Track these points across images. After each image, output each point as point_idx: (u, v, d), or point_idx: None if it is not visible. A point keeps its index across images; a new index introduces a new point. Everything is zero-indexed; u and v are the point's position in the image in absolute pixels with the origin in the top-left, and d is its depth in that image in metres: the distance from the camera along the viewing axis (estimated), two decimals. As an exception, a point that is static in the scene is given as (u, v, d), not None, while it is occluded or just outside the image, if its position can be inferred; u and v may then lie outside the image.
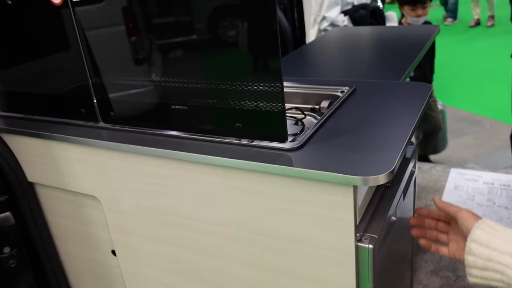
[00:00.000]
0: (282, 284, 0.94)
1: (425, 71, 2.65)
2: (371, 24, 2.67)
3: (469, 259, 0.78)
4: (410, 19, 2.56)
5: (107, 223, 1.15)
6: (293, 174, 0.80)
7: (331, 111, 1.01)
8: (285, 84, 1.23)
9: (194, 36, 0.88)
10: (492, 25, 6.25)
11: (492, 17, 6.26)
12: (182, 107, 0.94)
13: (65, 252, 1.35)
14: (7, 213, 1.24)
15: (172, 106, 0.96)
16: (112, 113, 1.05)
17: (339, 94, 1.14)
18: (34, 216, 1.28)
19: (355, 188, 0.77)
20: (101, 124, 1.08)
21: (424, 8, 2.51)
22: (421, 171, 2.36)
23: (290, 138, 0.90)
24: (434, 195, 2.06)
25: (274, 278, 0.94)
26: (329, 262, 0.86)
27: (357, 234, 0.82)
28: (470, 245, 0.78)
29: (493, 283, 0.76)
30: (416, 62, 1.42)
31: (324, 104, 1.13)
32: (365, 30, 2.13)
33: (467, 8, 6.75)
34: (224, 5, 0.86)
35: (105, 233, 1.20)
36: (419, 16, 2.51)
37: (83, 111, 1.10)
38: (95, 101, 1.06)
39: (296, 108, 1.17)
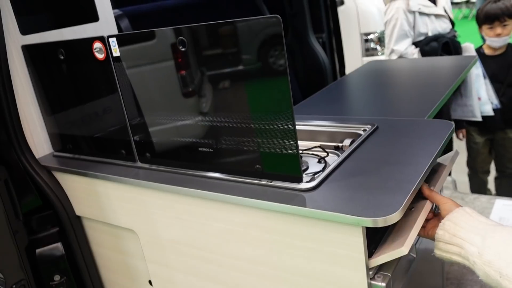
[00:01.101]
0: (302, 319, 0.97)
1: None
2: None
3: (439, 232, 0.87)
4: (489, 40, 2.43)
5: (144, 255, 1.24)
6: (305, 214, 0.85)
7: (350, 150, 1.06)
8: (309, 122, 1.30)
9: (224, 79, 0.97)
10: None
11: None
12: (208, 149, 1.03)
13: (108, 281, 1.46)
14: (58, 244, 1.37)
15: (199, 149, 1.04)
16: (147, 154, 1.15)
17: (361, 132, 1.18)
18: (81, 246, 1.40)
19: (363, 228, 0.80)
20: (138, 164, 1.19)
21: (504, 26, 2.36)
22: (464, 202, 2.30)
23: (308, 178, 0.96)
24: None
25: (294, 313, 0.98)
26: (345, 299, 0.89)
27: (370, 272, 0.85)
28: (445, 222, 0.87)
29: (454, 257, 0.85)
30: (445, 98, 1.43)
31: (346, 142, 1.17)
32: (407, 62, 2.14)
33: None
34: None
35: (142, 264, 1.29)
36: (498, 35, 2.38)
37: (123, 152, 1.21)
38: (133, 143, 1.17)
39: (320, 146, 1.22)
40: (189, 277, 1.15)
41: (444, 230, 0.86)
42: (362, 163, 1.00)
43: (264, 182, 0.96)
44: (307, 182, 0.93)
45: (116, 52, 1.08)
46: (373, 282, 0.86)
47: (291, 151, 0.89)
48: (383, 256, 0.85)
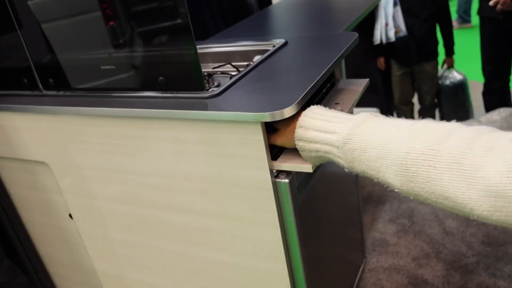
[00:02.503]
0: (217, 227, 1.00)
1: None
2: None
3: (298, 131, 0.81)
4: None
5: (60, 188, 1.21)
6: (206, 117, 0.86)
7: (257, 63, 1.06)
8: (224, 43, 1.29)
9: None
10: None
11: None
12: (110, 66, 0.99)
13: (29, 221, 1.42)
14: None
15: (102, 67, 1.01)
16: (51, 80, 1.10)
17: (270, 48, 1.18)
18: (-6, 188, 1.34)
19: (262, 124, 0.82)
20: (43, 92, 1.13)
21: None
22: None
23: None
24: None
25: (209, 222, 1.01)
26: (253, 200, 0.92)
27: (274, 170, 0.88)
28: (302, 118, 0.81)
29: (317, 155, 0.81)
30: (356, 20, 1.46)
31: (256, 58, 1.17)
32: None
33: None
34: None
35: (60, 197, 1.26)
36: None
37: (25, 80, 1.15)
38: (34, 70, 1.11)
39: (231, 65, 1.22)
40: (108, 202, 1.14)
41: (303, 126, 0.81)
42: (266, 71, 1.01)
43: (169, 94, 0.95)
44: (211, 90, 0.93)
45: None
46: (277, 180, 0.89)
47: (191, 58, 0.88)
48: (287, 164, 0.87)
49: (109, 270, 1.30)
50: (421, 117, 2.92)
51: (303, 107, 0.84)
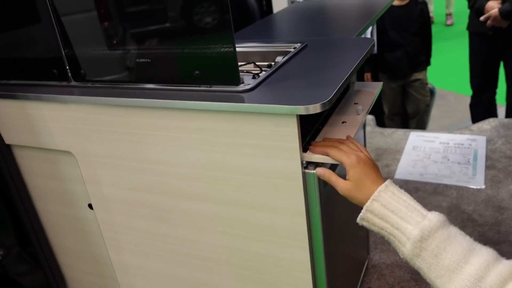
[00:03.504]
0: (243, 216, 1.05)
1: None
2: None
3: (365, 215, 0.84)
4: None
5: (83, 177, 1.24)
6: (244, 109, 0.91)
7: (282, 62, 1.12)
8: (243, 44, 1.34)
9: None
10: (452, 24, 6.04)
11: (450, 14, 6.06)
12: (146, 59, 1.04)
13: (44, 211, 1.44)
14: (-13, 176, 1.32)
15: (137, 60, 1.05)
16: (82, 71, 1.14)
17: (291, 50, 1.25)
18: (13, 177, 1.36)
19: (297, 117, 0.88)
20: (73, 83, 1.17)
21: None
22: (383, 136, 2.51)
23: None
24: (394, 157, 2.22)
25: (235, 212, 1.06)
26: (281, 190, 0.97)
27: (304, 162, 0.94)
28: (372, 203, 0.83)
29: (387, 238, 0.83)
30: (371, 22, 1.54)
31: (279, 59, 1.23)
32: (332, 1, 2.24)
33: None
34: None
35: (81, 187, 1.29)
36: None
37: (55, 71, 1.18)
38: (65, 61, 1.15)
39: (254, 64, 1.28)
40: (133, 192, 1.18)
41: (371, 212, 0.83)
42: (293, 70, 1.07)
43: (203, 87, 1.00)
44: (243, 85, 0.98)
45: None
46: (306, 171, 0.95)
47: (228, 53, 0.94)
48: (317, 157, 0.93)
49: (125, 260, 1.33)
50: (412, 124, 3.02)
51: (333, 107, 0.90)
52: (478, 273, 0.70)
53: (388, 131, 2.55)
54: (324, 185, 0.98)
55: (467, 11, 2.74)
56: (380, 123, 2.93)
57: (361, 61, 1.08)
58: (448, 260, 0.73)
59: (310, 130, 1.03)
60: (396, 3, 2.68)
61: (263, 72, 1.23)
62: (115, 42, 1.07)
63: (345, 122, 1.06)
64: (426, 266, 0.75)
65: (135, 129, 1.08)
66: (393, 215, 0.80)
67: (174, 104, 0.98)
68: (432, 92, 3.00)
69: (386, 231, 0.82)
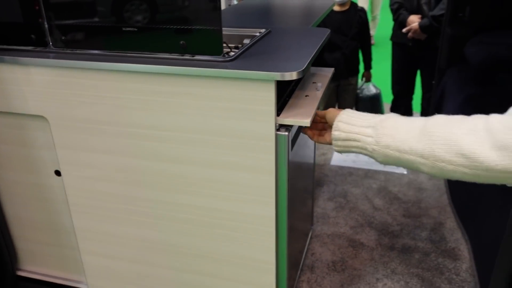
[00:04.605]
0: (217, 176, 1.17)
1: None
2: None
3: (335, 133, 0.98)
4: None
5: (54, 142, 1.28)
6: (227, 75, 1.03)
7: (252, 42, 1.26)
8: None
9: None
10: (373, 44, 6.44)
11: (372, 36, 6.50)
12: (132, 28, 1.12)
13: (3, 179, 1.43)
14: None
15: (124, 28, 1.13)
16: (63, 37, 1.19)
17: (257, 34, 1.39)
18: (-27, 143, 1.35)
19: (275, 82, 1.02)
20: (52, 49, 1.21)
21: None
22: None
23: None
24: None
25: (211, 172, 1.17)
26: (256, 150, 1.11)
27: (277, 124, 1.09)
28: (337, 123, 0.98)
29: (353, 149, 0.97)
30: (321, 17, 1.74)
31: (246, 41, 1.37)
32: (278, 1, 2.42)
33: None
34: None
35: (49, 154, 1.32)
36: None
37: (33, 37, 1.21)
38: (46, 26, 1.19)
39: (226, 44, 1.40)
40: (108, 156, 1.24)
41: (339, 130, 0.96)
42: (264, 49, 1.21)
43: (187, 56, 1.11)
44: (223, 56, 1.11)
45: None
46: (278, 133, 1.09)
47: (214, 24, 1.06)
48: (289, 119, 1.08)
49: (91, 226, 1.38)
50: None
51: (296, 84, 1.05)
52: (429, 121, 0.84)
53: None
54: (291, 148, 1.13)
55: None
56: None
57: (322, 44, 1.26)
58: (405, 127, 0.87)
59: (280, 100, 1.18)
60: (337, 8, 2.93)
61: (233, 52, 1.36)
62: (101, 10, 1.14)
63: (308, 96, 1.22)
64: (393, 145, 0.88)
65: (117, 94, 1.15)
66: (351, 125, 0.96)
67: (161, 70, 1.07)
68: (373, 97, 3.30)
69: (352, 140, 0.96)
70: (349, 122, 0.97)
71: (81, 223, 1.39)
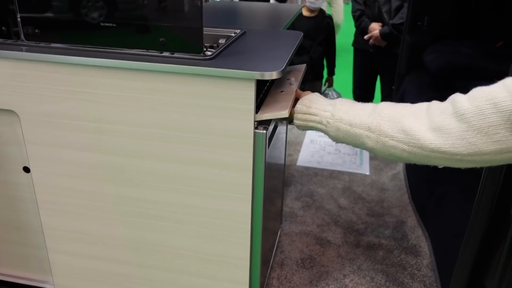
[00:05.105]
0: (194, 173, 1.18)
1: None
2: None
3: (298, 106, 1.11)
4: (308, 2, 2.90)
5: (24, 137, 1.24)
6: (208, 73, 1.05)
7: (229, 42, 1.28)
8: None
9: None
10: None
11: None
12: (111, 24, 1.11)
13: (-34, 176, 1.38)
14: None
15: (102, 24, 1.12)
16: (37, 30, 1.16)
17: (232, 34, 1.41)
18: None
19: (255, 81, 1.05)
20: (24, 41, 1.18)
21: None
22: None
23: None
24: (295, 148, 2.49)
25: (189, 169, 1.18)
26: (234, 147, 1.13)
27: (255, 122, 1.11)
28: (302, 99, 1.11)
29: (310, 123, 1.08)
30: (291, 20, 1.78)
31: (221, 41, 1.39)
32: (244, 4, 2.44)
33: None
34: None
35: (17, 149, 1.28)
36: None
37: (4, 29, 1.18)
38: (18, 19, 1.16)
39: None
40: (81, 153, 1.22)
41: (302, 104, 1.10)
42: (241, 49, 1.24)
43: (165, 54, 1.12)
44: (202, 55, 1.12)
45: None
46: (256, 131, 1.12)
47: (196, 22, 1.07)
48: (267, 114, 1.11)
49: (60, 225, 1.35)
50: None
51: (271, 83, 1.09)
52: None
53: (289, 126, 2.84)
54: (268, 146, 1.16)
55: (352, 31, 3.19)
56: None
57: (297, 46, 1.30)
58: (360, 106, 0.99)
59: (257, 98, 1.20)
60: (306, 14, 3.00)
61: (210, 51, 1.38)
62: (79, 3, 1.12)
63: (283, 91, 1.25)
64: (346, 119, 0.98)
65: (91, 89, 1.14)
66: (314, 102, 1.09)
67: (136, 65, 1.07)
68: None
69: (312, 114, 1.06)
70: (313, 100, 1.09)
71: (49, 221, 1.35)
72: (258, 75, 1.03)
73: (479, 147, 0.76)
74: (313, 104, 1.08)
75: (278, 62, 1.10)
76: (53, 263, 1.42)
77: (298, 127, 1.14)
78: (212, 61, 1.09)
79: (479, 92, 0.77)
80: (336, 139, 1.04)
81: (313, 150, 2.52)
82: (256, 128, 1.12)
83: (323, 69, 3.25)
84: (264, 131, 1.12)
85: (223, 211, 1.21)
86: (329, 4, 5.60)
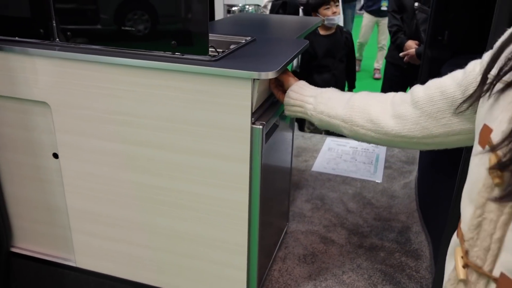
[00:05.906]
0: (198, 163, 1.31)
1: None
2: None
3: (285, 100, 1.22)
4: (327, 20, 2.88)
5: (54, 127, 1.42)
6: (211, 72, 1.18)
7: (237, 47, 1.42)
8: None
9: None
10: (380, 78, 5.76)
11: (378, 69, 5.92)
12: (131, 28, 1.28)
13: (5, 160, 1.56)
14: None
15: (122, 28, 1.28)
16: (68, 33, 1.34)
17: (243, 41, 1.55)
18: (-20, 125, 1.48)
19: (252, 80, 1.17)
20: (58, 42, 1.36)
21: (336, 5, 2.87)
22: (303, 138, 2.89)
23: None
24: (312, 154, 2.58)
25: (193, 159, 1.31)
26: (233, 140, 1.25)
27: (252, 119, 1.23)
28: (288, 92, 1.22)
29: (298, 114, 1.20)
30: (306, 32, 1.90)
31: (232, 46, 1.53)
32: (266, 15, 2.59)
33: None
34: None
35: (48, 137, 1.46)
36: (334, 14, 2.87)
37: (42, 30, 1.36)
38: (54, 21, 1.34)
39: (213, 47, 1.55)
40: (103, 141, 1.38)
41: (289, 97, 1.21)
42: (247, 53, 1.37)
43: (177, 55, 1.26)
44: (210, 57, 1.26)
45: None
46: (254, 126, 1.24)
47: (203, 28, 1.21)
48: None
49: (83, 207, 1.51)
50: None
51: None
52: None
53: (308, 135, 2.94)
54: (265, 141, 1.28)
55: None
56: (301, 129, 3.32)
57: (298, 52, 1.41)
58: (337, 99, 1.10)
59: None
60: (323, 33, 3.05)
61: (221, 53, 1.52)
62: (104, 9, 1.29)
63: None
64: (326, 111, 1.10)
65: (112, 85, 1.30)
66: (299, 94, 1.20)
67: (154, 65, 1.22)
68: None
69: (298, 106, 1.18)
70: (297, 91, 1.21)
71: (74, 203, 1.52)
72: (255, 74, 1.15)
73: (431, 131, 0.87)
74: (299, 97, 1.20)
75: (275, 64, 1.22)
76: (75, 242, 1.58)
77: (289, 116, 1.26)
78: (216, 62, 1.23)
79: (432, 83, 0.88)
80: (321, 127, 1.17)
81: (329, 158, 2.61)
82: (253, 123, 1.24)
83: (345, 84, 3.32)
84: (261, 127, 1.24)
85: (222, 199, 1.33)
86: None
